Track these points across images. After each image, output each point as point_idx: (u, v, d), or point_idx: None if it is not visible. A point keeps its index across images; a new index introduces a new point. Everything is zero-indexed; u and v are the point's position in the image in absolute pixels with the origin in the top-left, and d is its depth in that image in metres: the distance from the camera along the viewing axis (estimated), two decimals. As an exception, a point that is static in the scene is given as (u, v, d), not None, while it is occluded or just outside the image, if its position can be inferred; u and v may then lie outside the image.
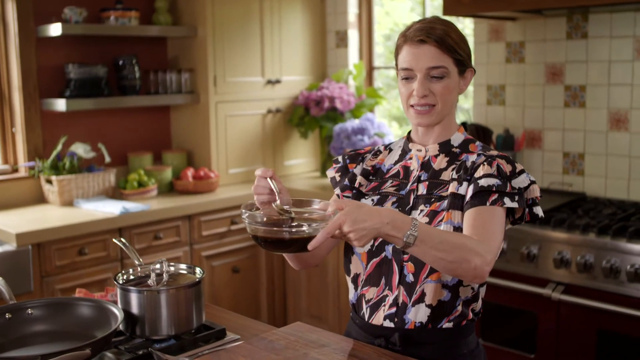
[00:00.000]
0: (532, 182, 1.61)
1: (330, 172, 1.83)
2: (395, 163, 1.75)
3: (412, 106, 1.65)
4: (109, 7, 3.54)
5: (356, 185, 1.75)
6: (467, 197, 1.57)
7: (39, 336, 1.65)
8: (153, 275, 1.69)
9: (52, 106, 3.44)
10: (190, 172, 3.71)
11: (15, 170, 3.51)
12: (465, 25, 4.05)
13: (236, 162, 3.97)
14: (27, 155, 3.46)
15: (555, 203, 3.05)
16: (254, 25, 3.96)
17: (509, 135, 3.39)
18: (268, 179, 1.59)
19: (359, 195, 1.74)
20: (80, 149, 3.44)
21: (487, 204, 1.54)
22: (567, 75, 3.28)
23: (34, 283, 2.93)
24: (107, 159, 3.56)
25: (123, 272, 1.74)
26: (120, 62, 3.63)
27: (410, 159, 1.73)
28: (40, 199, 3.51)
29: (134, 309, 1.64)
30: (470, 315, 1.62)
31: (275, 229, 1.47)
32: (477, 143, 1.71)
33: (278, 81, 4.09)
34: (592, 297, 2.61)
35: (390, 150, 1.80)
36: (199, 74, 3.82)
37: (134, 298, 1.64)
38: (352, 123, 3.90)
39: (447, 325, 1.59)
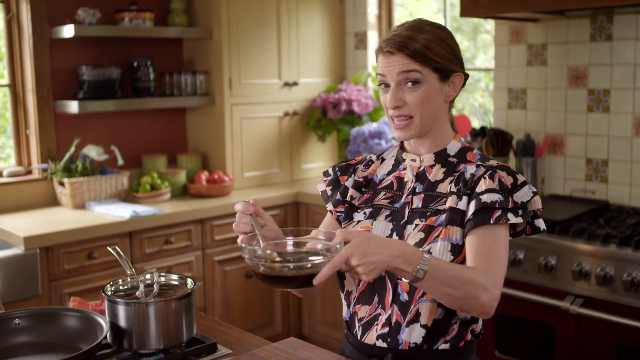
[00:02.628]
0: (534, 194, 1.53)
1: (321, 186, 1.74)
2: (389, 173, 1.66)
3: (392, 118, 1.57)
4: (123, 9, 3.51)
5: (348, 198, 1.66)
6: (469, 214, 1.48)
7: (24, 347, 1.60)
8: (142, 286, 1.63)
9: (65, 108, 3.42)
10: (204, 176, 3.66)
11: (29, 172, 3.50)
12: (493, 27, 3.94)
13: (252, 165, 3.91)
14: (40, 157, 3.45)
15: (576, 211, 2.93)
16: (271, 27, 3.90)
17: (530, 141, 3.28)
18: (250, 215, 1.50)
19: (351, 208, 1.65)
20: (93, 152, 3.42)
21: (491, 221, 1.46)
22: (590, 79, 3.16)
23: (42, 287, 2.91)
24: (120, 161, 3.53)
25: (111, 282, 1.68)
26: (135, 64, 3.60)
27: (404, 169, 1.64)
28: (53, 201, 3.49)
29: (122, 321, 1.58)
30: (469, 336, 1.54)
31: (277, 264, 1.37)
32: (475, 151, 1.62)
33: (295, 83, 4.03)
34: (612, 311, 2.49)
35: (383, 159, 1.71)
36: (214, 76, 3.78)
37: (121, 310, 1.58)
38: (369, 126, 3.82)
39: (443, 346, 1.51)
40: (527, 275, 2.71)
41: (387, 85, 1.56)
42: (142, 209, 3.22)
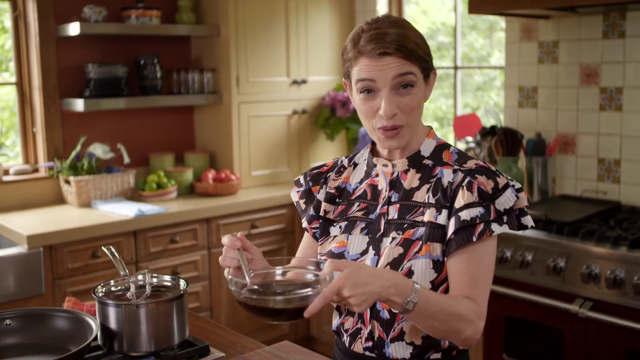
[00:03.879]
0: (519, 191, 1.43)
1: (294, 196, 1.66)
2: (361, 181, 1.57)
3: (379, 128, 1.44)
4: (129, 6, 3.49)
5: (321, 213, 1.59)
6: (450, 233, 1.40)
7: (13, 349, 1.58)
8: (133, 287, 1.60)
9: (71, 106, 3.41)
10: (211, 174, 3.64)
11: (36, 170, 3.49)
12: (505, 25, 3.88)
13: (260, 164, 3.88)
14: (47, 155, 3.44)
15: (587, 212, 2.87)
16: (279, 24, 3.86)
17: (541, 140, 3.22)
18: (237, 250, 1.42)
19: (326, 223, 1.58)
20: (99, 150, 3.40)
21: (474, 238, 1.38)
22: (602, 77, 3.09)
23: (45, 286, 2.89)
24: (127, 159, 3.51)
25: (103, 283, 1.65)
26: (142, 62, 3.58)
27: (377, 175, 1.54)
28: (60, 199, 3.48)
29: (112, 323, 1.55)
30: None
31: (267, 297, 1.29)
32: (452, 149, 1.52)
33: (304, 81, 3.99)
34: (622, 315, 2.43)
35: (356, 165, 1.61)
36: (222, 74, 3.75)
37: (112, 312, 1.55)
38: (378, 125, 3.76)
39: (435, 356, 1.46)
40: (536, 277, 2.65)
41: (370, 91, 1.43)
42: (147, 208, 3.20)
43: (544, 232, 2.69)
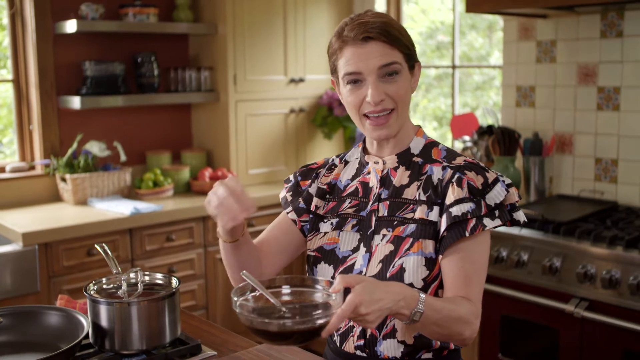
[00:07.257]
0: (509, 186, 1.44)
1: (282, 193, 1.67)
2: (353, 178, 1.57)
3: (366, 116, 1.45)
4: (127, 4, 3.48)
5: (312, 208, 1.58)
6: (442, 229, 1.40)
7: (4, 346, 1.57)
8: (124, 285, 1.59)
9: (68, 104, 3.40)
10: (207, 173, 3.63)
11: (32, 167, 3.48)
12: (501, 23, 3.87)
13: (257, 162, 3.87)
14: (43, 153, 3.43)
15: (583, 212, 2.86)
16: (277, 22, 3.85)
17: (538, 140, 3.21)
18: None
19: (317, 219, 1.57)
20: (95, 147, 3.40)
21: (466, 233, 1.38)
22: (600, 76, 3.08)
23: (40, 283, 2.89)
24: (123, 157, 3.50)
25: (95, 281, 1.65)
26: (139, 60, 3.57)
27: (369, 173, 1.54)
28: (56, 197, 3.48)
29: (103, 321, 1.55)
30: (452, 345, 1.48)
31: (276, 321, 1.23)
32: (441, 147, 1.53)
33: (302, 80, 3.98)
34: (618, 315, 2.42)
35: (347, 162, 1.61)
36: (219, 72, 3.74)
37: (103, 310, 1.55)
38: (375, 124, 3.76)
39: (426, 355, 1.45)
40: (531, 277, 2.64)
41: (357, 82, 1.44)
42: (143, 206, 3.20)
43: (540, 231, 2.69)
